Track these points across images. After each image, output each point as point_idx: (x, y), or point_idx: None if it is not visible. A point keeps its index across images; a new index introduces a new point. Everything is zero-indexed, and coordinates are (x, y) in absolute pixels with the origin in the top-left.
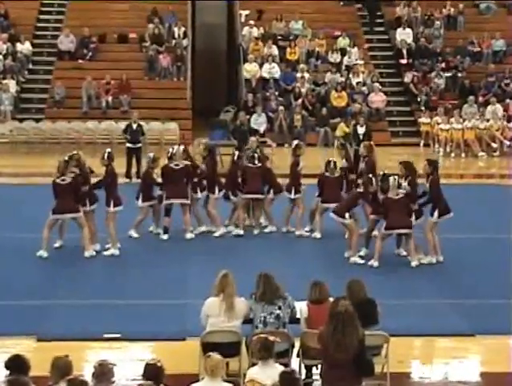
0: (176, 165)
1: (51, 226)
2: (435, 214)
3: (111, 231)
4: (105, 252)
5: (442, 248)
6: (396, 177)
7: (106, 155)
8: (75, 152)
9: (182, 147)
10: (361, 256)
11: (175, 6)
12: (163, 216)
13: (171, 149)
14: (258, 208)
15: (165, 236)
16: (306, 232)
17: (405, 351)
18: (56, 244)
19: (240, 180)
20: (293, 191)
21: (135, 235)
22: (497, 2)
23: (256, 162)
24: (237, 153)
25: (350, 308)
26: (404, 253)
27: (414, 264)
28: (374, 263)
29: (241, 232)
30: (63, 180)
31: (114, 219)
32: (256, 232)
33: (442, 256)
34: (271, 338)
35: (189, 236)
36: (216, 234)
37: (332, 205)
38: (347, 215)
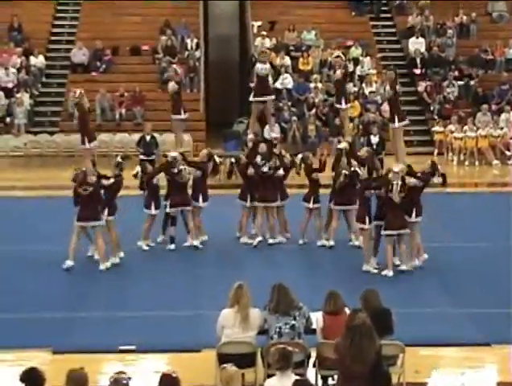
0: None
1: (78, 235)
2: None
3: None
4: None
5: (453, 256)
6: (398, 182)
7: (118, 164)
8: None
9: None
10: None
11: (188, 18)
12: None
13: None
14: (271, 216)
15: (172, 246)
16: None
17: (420, 360)
18: (89, 253)
19: (256, 186)
20: (312, 201)
21: (145, 247)
22: (510, 8)
23: (266, 169)
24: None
25: (368, 321)
26: (398, 263)
27: (406, 267)
28: (389, 273)
29: (261, 238)
30: (85, 190)
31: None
32: (271, 241)
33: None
34: (289, 347)
35: (196, 242)
36: (195, 243)
37: (345, 207)
38: (367, 219)
